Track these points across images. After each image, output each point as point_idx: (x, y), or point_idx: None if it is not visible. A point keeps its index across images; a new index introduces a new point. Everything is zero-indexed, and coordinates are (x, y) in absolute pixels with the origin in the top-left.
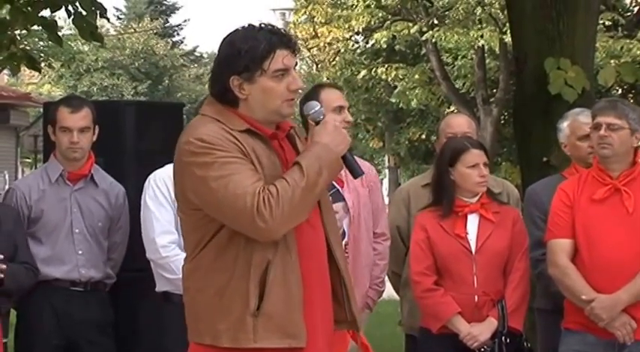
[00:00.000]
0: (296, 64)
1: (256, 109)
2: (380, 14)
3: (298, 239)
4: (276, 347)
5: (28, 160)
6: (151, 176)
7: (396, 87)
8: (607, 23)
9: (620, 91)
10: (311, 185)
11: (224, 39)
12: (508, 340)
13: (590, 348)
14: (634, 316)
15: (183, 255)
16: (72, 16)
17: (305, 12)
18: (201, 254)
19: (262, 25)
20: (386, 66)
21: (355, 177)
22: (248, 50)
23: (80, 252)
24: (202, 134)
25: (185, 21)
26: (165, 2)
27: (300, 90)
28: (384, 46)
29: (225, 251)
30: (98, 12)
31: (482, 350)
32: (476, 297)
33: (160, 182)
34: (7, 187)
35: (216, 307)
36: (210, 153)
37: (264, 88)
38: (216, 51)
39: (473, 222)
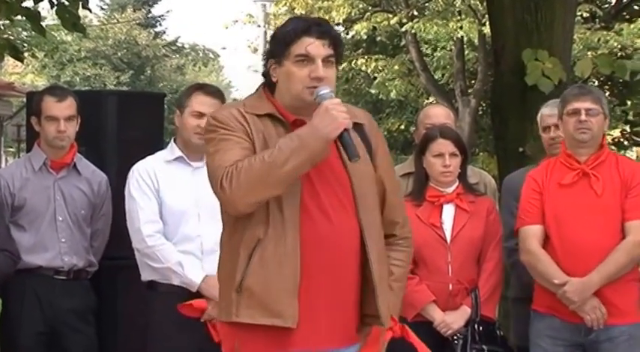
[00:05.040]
0: (331, 56)
1: (283, 93)
2: (360, 5)
3: (306, 226)
4: (261, 324)
5: (11, 149)
6: (134, 167)
7: (375, 78)
8: (585, 15)
9: (596, 83)
10: (278, 161)
11: None
12: (481, 328)
13: (557, 333)
14: (609, 298)
15: (169, 243)
16: (55, 7)
17: (285, 3)
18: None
19: (304, 16)
20: (366, 57)
21: (350, 159)
22: (280, 35)
23: (63, 240)
24: (217, 113)
25: (167, 12)
26: None
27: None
28: (364, 37)
29: (232, 228)
30: (80, 2)
31: (456, 337)
32: (450, 286)
33: (144, 173)
34: None
35: (220, 284)
36: (215, 130)
37: (287, 71)
38: (197, 42)
39: (448, 211)
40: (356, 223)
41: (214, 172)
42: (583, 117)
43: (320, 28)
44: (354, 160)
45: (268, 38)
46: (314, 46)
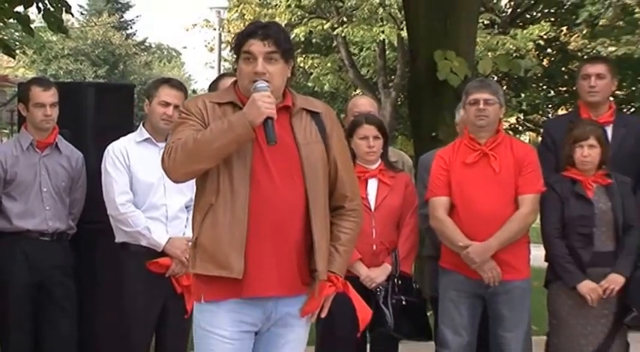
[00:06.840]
0: (273, 52)
1: (240, 85)
2: (299, 12)
3: (255, 193)
4: (212, 275)
5: (5, 131)
6: (109, 147)
7: (311, 73)
8: (486, 22)
9: (495, 78)
10: (208, 140)
11: None
12: (400, 282)
13: (461, 286)
14: (505, 259)
15: (138, 211)
16: (42, 12)
17: (237, 10)
18: None
19: (259, 21)
20: (303, 56)
21: (267, 144)
22: (236, 38)
23: (47, 208)
24: (186, 102)
25: (137, 16)
26: (120, 0)
27: (261, 73)
28: (302, 39)
29: (196, 196)
30: (64, 8)
31: (379, 290)
32: (374, 246)
33: (117, 151)
34: None
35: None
36: (180, 115)
37: (239, 68)
38: (162, 42)
39: (372, 185)
40: (302, 190)
41: (164, 148)
42: (481, 106)
43: (264, 30)
44: (270, 144)
45: (222, 39)
46: (255, 46)
